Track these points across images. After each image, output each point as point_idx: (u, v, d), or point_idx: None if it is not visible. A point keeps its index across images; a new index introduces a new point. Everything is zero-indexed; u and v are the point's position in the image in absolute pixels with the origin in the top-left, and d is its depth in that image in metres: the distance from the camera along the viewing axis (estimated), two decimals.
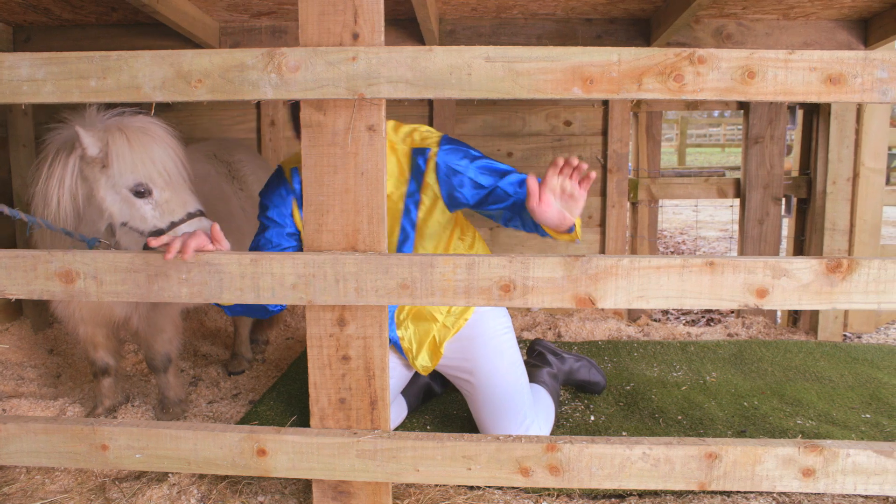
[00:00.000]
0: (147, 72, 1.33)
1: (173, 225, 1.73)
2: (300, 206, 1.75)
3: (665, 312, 3.62)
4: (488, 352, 1.88)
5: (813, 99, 1.30)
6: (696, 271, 1.32)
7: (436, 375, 2.23)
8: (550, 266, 1.32)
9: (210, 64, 1.32)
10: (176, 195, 1.76)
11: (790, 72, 1.28)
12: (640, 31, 2.66)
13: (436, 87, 1.29)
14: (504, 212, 1.68)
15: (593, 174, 1.42)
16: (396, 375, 1.95)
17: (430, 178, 1.71)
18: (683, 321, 3.49)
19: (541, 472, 1.39)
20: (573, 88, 1.29)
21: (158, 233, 1.74)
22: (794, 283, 1.33)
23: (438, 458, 1.40)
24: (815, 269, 1.33)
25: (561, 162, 1.41)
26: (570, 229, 1.51)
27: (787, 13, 2.53)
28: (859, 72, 1.28)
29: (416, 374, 2.13)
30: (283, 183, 1.77)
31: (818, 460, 1.38)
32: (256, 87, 1.33)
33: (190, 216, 1.75)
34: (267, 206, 1.76)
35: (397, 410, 2.04)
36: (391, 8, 2.49)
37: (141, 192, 1.74)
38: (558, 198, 1.44)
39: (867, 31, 2.63)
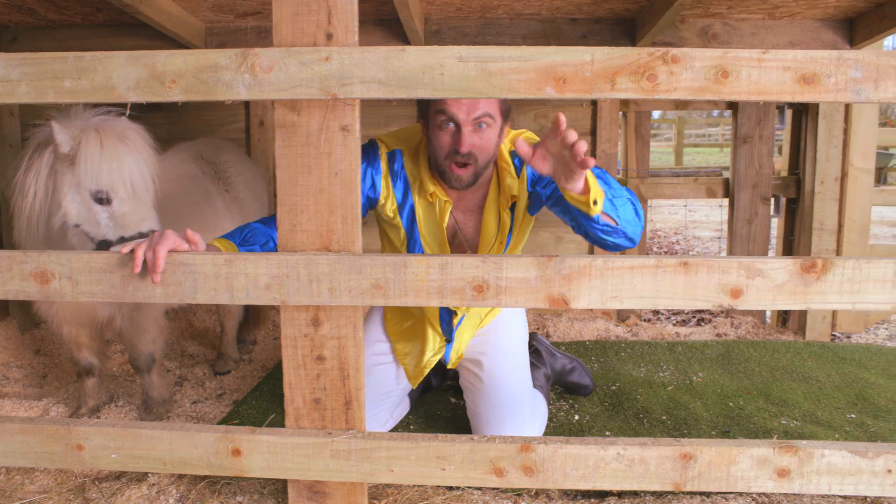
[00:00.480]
0: (121, 72, 1.33)
1: (122, 240, 1.71)
2: (390, 183, 1.73)
3: (655, 312, 3.62)
4: (505, 350, 1.90)
5: (787, 99, 1.30)
6: (671, 271, 1.32)
7: (437, 369, 2.22)
8: (524, 266, 1.32)
9: (184, 64, 1.32)
10: (134, 210, 1.74)
11: (764, 71, 1.28)
12: (626, 30, 2.66)
13: (409, 87, 1.29)
14: (564, 216, 1.63)
15: (590, 161, 1.28)
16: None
17: (524, 180, 1.70)
18: (674, 321, 3.49)
19: (515, 472, 1.39)
20: (546, 88, 1.28)
21: (105, 244, 1.72)
22: (768, 284, 1.33)
23: (412, 458, 1.39)
24: (790, 269, 1.32)
25: (561, 126, 1.29)
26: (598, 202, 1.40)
27: (773, 13, 2.53)
28: (833, 71, 1.28)
29: None
30: (369, 158, 1.72)
31: (793, 461, 1.38)
32: (230, 88, 1.33)
33: (141, 236, 1.72)
34: None
35: (403, 408, 2.07)
36: (376, 8, 2.49)
37: (101, 199, 1.73)
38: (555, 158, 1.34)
39: (853, 30, 2.63)
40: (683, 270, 1.32)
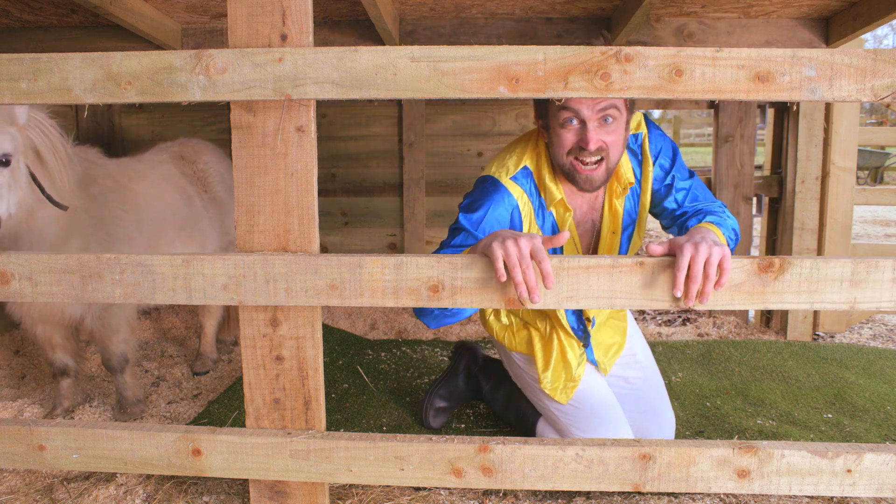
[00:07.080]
0: (77, 74, 1.33)
1: None
2: (532, 207, 1.62)
3: (641, 312, 3.61)
4: (646, 346, 1.97)
5: (741, 97, 1.29)
6: (626, 271, 1.32)
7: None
8: (479, 267, 1.32)
9: (139, 66, 1.32)
10: None
11: (718, 69, 1.27)
12: (601, 30, 2.65)
13: (362, 88, 1.29)
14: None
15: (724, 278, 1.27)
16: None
17: (648, 164, 1.66)
18: (658, 321, 3.48)
19: (473, 472, 1.39)
20: (499, 88, 1.28)
21: None
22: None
23: (371, 458, 1.39)
24: (747, 268, 1.32)
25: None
26: None
27: (748, 11, 2.52)
28: (787, 70, 1.27)
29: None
30: (503, 198, 1.58)
31: (753, 461, 1.38)
32: (185, 89, 1.33)
33: None
34: (468, 229, 1.54)
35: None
36: (350, 8, 2.49)
37: None
38: None
39: (828, 29, 2.62)
40: (639, 270, 1.32)
